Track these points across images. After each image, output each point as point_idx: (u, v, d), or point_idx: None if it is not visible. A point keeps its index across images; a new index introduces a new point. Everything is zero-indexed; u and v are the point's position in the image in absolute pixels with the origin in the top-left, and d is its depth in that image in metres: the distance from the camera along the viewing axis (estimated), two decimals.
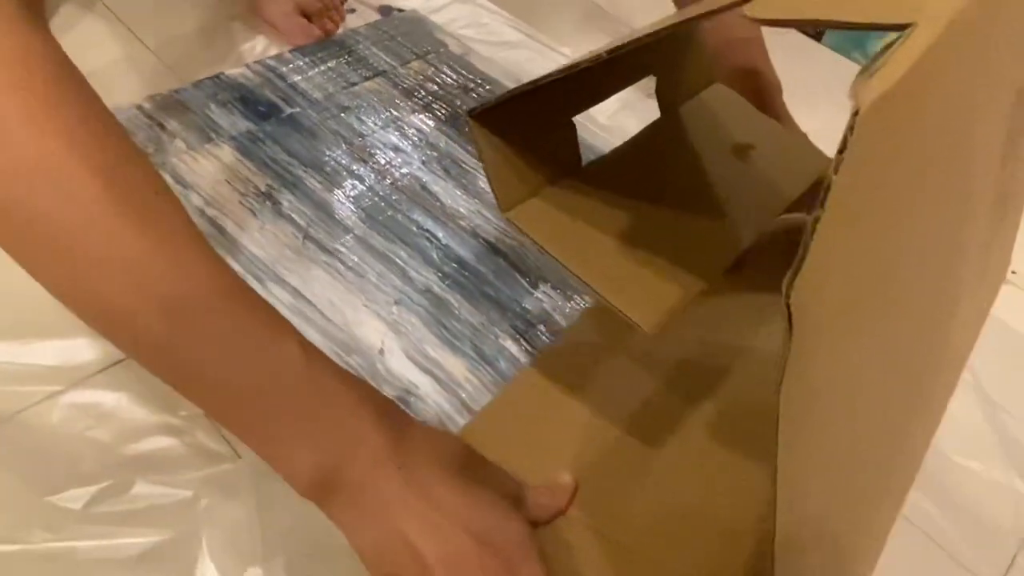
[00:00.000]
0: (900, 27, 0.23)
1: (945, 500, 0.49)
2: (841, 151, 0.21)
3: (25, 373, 0.43)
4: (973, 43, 0.27)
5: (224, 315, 0.32)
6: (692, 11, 0.30)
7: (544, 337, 0.52)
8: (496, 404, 0.47)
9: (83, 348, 0.44)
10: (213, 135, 0.59)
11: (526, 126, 0.41)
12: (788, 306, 0.21)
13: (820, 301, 0.23)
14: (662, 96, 0.50)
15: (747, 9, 0.26)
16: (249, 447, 0.33)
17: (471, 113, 0.38)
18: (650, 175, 0.47)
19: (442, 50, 0.75)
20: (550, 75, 0.36)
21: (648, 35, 0.30)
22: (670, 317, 0.38)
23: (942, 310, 0.36)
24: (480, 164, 0.62)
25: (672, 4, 0.59)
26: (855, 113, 0.20)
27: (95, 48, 0.65)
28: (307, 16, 0.72)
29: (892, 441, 0.36)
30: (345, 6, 0.76)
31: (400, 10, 0.79)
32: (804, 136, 0.55)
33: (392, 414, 0.37)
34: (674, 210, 0.44)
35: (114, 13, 0.68)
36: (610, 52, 0.32)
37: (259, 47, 0.70)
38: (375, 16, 0.78)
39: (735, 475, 0.44)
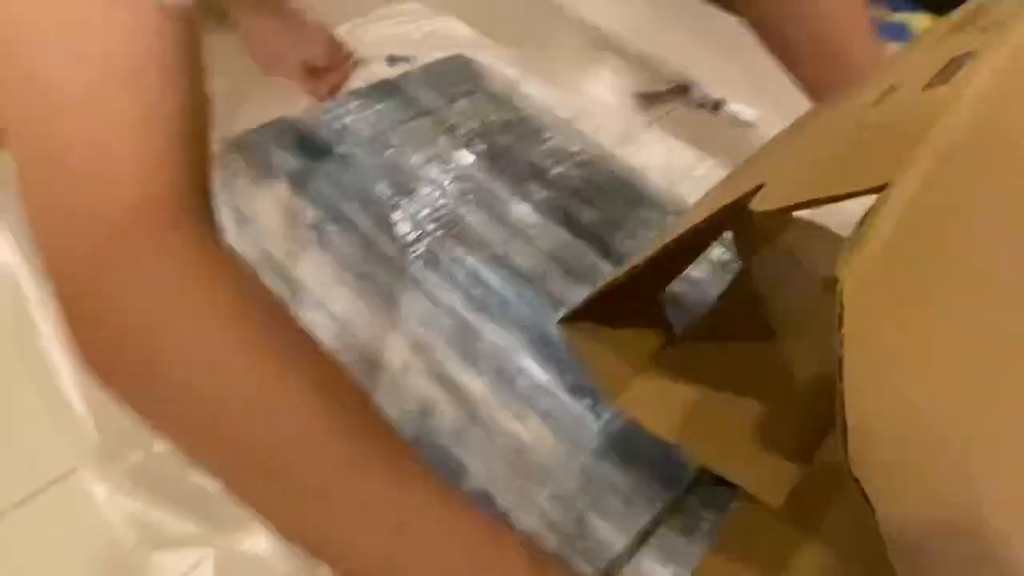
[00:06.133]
0: (876, 190, 0.23)
1: None
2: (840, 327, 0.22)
3: None
4: (965, 174, 0.25)
5: (449, 530, 0.31)
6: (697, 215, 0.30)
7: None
8: None
9: None
10: (270, 173, 0.65)
11: (615, 310, 0.41)
12: None
13: None
14: (741, 247, 0.50)
15: (753, 204, 0.28)
16: None
17: (562, 320, 0.40)
18: (747, 333, 0.46)
19: (487, 89, 0.79)
20: (633, 266, 0.36)
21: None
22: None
23: None
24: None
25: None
26: (840, 291, 0.21)
27: None
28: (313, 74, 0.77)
29: None
30: (353, 59, 0.80)
31: (404, 58, 0.83)
32: None
33: None
34: (778, 372, 0.43)
35: None
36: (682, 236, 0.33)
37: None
38: (383, 66, 0.83)
39: None
